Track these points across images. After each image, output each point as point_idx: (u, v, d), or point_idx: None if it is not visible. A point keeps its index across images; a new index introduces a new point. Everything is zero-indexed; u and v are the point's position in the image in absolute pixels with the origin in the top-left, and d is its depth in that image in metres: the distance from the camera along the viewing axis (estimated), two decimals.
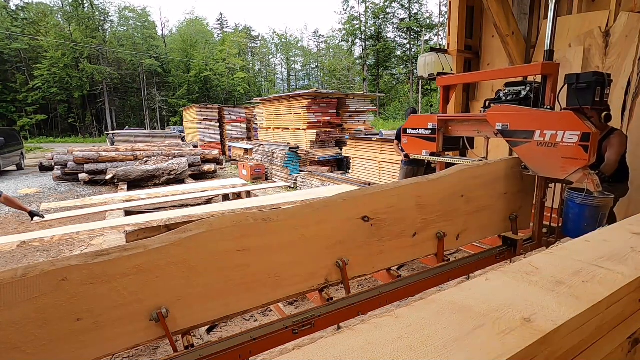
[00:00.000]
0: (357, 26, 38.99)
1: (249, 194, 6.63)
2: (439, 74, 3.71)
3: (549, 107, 2.72)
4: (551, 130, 2.52)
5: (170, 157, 10.57)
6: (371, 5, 38.71)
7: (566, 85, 2.72)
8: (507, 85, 3.17)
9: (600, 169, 3.08)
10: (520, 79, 3.72)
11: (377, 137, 8.57)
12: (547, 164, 2.62)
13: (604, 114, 2.96)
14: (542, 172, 2.71)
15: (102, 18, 37.93)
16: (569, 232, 2.81)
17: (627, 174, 3.39)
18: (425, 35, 37.24)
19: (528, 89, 3.03)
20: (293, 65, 53.11)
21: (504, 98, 3.14)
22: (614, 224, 1.81)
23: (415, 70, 36.90)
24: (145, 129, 29.55)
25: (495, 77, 3.22)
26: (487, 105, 3.25)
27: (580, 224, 2.67)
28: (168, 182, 9.46)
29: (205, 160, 11.51)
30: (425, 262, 3.53)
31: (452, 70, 3.90)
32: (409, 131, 3.86)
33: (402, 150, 4.58)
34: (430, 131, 3.61)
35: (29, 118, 33.49)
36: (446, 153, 3.81)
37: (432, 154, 3.64)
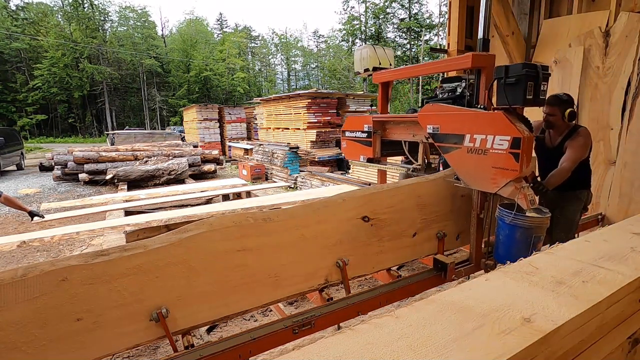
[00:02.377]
0: (357, 26, 38.97)
1: (249, 194, 6.63)
2: (374, 69, 3.24)
3: (482, 106, 2.28)
4: (481, 135, 2.13)
5: (170, 157, 10.57)
6: (371, 5, 38.70)
7: (496, 81, 2.29)
8: (444, 81, 2.77)
9: (546, 179, 2.55)
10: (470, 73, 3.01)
11: None
12: (478, 175, 2.23)
13: (567, 111, 2.64)
14: (473, 183, 2.30)
15: (102, 18, 37.92)
16: (498, 256, 2.36)
17: (590, 179, 2.97)
18: (425, 35, 37.23)
19: (464, 85, 2.64)
20: (293, 65, 53.11)
21: (440, 96, 2.76)
22: (614, 224, 1.81)
23: None
24: (145, 129, 29.53)
25: (428, 72, 2.74)
26: (423, 104, 2.87)
27: (510, 247, 2.21)
28: (168, 182, 9.46)
29: (205, 160, 11.51)
30: (426, 262, 3.53)
31: (391, 64, 3.44)
32: (347, 134, 3.39)
33: None
34: (366, 134, 3.15)
35: (29, 118, 33.49)
36: (388, 159, 3.37)
37: (368, 160, 3.21)
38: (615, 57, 4.27)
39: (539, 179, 2.43)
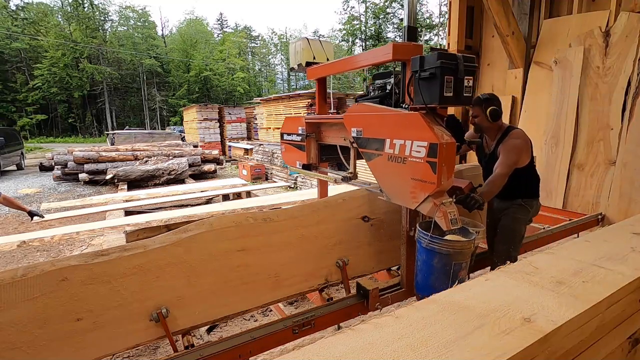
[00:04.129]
0: (357, 26, 38.99)
1: (249, 194, 6.63)
2: (307, 64, 2.91)
3: (407, 106, 1.97)
4: (400, 140, 1.85)
5: (170, 157, 10.57)
6: (371, 5, 38.71)
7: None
8: (375, 77, 2.40)
9: (479, 191, 2.16)
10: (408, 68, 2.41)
11: None
12: (398, 187, 1.95)
13: (489, 110, 2.33)
14: (394, 197, 2.01)
15: (102, 18, 37.94)
16: (417, 286, 2.04)
17: (537, 187, 2.60)
18: (425, 35, 37.25)
19: (393, 81, 2.23)
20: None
21: (372, 94, 2.39)
22: (614, 224, 1.81)
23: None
24: (145, 129, 29.53)
25: (355, 66, 2.39)
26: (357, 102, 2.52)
27: (428, 276, 1.89)
28: (168, 182, 9.45)
29: (205, 160, 11.51)
30: None
31: (329, 59, 3.07)
32: (285, 137, 3.07)
33: None
34: (300, 137, 2.84)
35: (29, 118, 33.49)
36: (328, 166, 3.03)
37: (304, 167, 2.87)
38: (616, 57, 4.27)
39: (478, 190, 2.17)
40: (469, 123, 2.54)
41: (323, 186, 3.14)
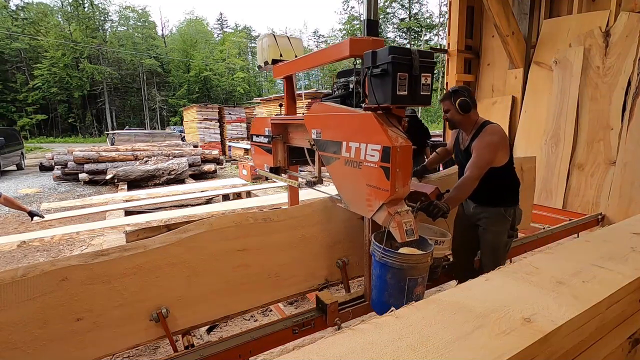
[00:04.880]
0: (357, 26, 38.99)
1: (249, 194, 6.63)
2: (274, 61, 2.75)
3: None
4: (355, 142, 1.72)
5: (170, 157, 10.57)
6: None
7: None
8: (339, 74, 2.23)
9: (447, 196, 2.00)
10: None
11: None
12: (355, 194, 1.81)
13: (458, 101, 2.16)
14: (351, 205, 1.88)
15: (102, 18, 37.95)
16: (372, 301, 1.91)
17: (515, 193, 2.33)
18: (425, 35, 37.25)
19: (355, 79, 2.04)
20: None
21: (336, 93, 2.21)
22: (614, 224, 1.81)
23: None
24: (146, 129, 29.51)
25: (317, 62, 2.24)
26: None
27: (382, 292, 1.73)
28: (168, 182, 9.45)
29: (205, 160, 11.50)
30: None
31: (297, 56, 2.84)
32: (254, 138, 2.92)
33: None
34: (267, 139, 2.71)
35: (29, 118, 33.48)
36: (299, 169, 2.87)
37: (271, 170, 2.72)
38: (616, 57, 4.27)
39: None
40: (443, 119, 2.38)
41: (293, 191, 2.92)
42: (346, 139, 1.79)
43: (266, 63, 2.81)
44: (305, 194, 5.65)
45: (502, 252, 2.31)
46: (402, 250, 1.71)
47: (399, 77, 1.56)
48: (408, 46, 38.60)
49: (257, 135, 2.86)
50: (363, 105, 1.79)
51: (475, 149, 2.10)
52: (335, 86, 2.23)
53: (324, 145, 1.97)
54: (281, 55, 2.78)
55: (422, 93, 1.65)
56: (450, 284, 2.59)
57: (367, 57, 1.67)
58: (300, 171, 2.90)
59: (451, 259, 2.57)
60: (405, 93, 1.60)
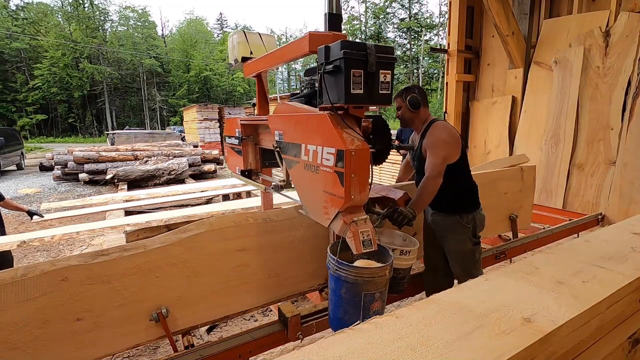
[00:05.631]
0: (357, 26, 39.03)
1: (249, 194, 6.63)
2: (243, 59, 2.63)
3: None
4: (312, 145, 1.60)
5: (170, 157, 10.57)
6: (371, 5, 38.75)
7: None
8: (306, 72, 2.09)
9: (410, 203, 1.91)
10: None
11: None
12: (314, 200, 1.68)
13: (408, 98, 2.09)
14: (311, 211, 1.76)
15: (102, 18, 37.97)
16: (329, 317, 1.75)
17: (470, 196, 2.21)
18: (426, 35, 37.27)
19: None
20: (293, 65, 53.14)
21: (304, 92, 2.04)
22: (614, 224, 1.80)
23: (415, 70, 36.90)
24: (146, 129, 29.52)
25: (278, 61, 2.13)
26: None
27: (337, 307, 1.60)
28: (168, 182, 9.45)
29: (205, 160, 11.50)
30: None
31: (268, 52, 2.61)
32: (227, 140, 2.80)
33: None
34: (237, 141, 2.58)
35: (29, 118, 33.50)
36: (272, 172, 2.75)
37: (242, 173, 2.58)
38: (616, 57, 4.27)
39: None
40: (396, 117, 2.26)
41: (265, 194, 2.79)
42: (305, 142, 1.66)
43: (236, 61, 2.67)
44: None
45: (471, 260, 2.18)
46: (358, 262, 1.59)
47: (353, 75, 1.42)
48: (408, 46, 38.68)
49: (229, 137, 2.72)
50: (319, 105, 1.64)
51: (427, 148, 2.03)
52: (302, 85, 2.09)
53: (285, 148, 1.85)
54: (251, 53, 2.63)
55: (381, 92, 1.50)
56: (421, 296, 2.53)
57: (320, 53, 1.53)
58: (277, 175, 2.66)
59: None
60: (361, 91, 1.46)
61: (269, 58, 2.22)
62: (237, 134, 2.56)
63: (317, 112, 1.62)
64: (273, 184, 2.12)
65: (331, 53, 1.47)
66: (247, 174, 2.57)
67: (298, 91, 2.05)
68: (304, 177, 1.70)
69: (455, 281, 2.45)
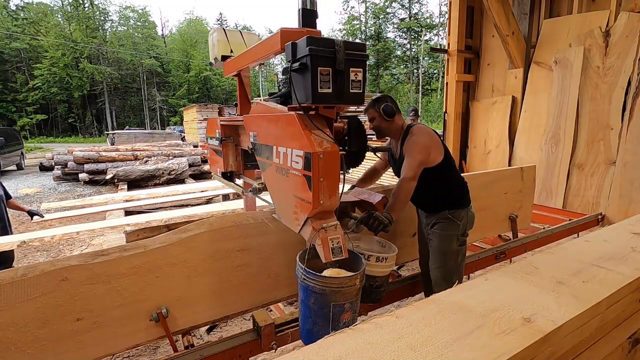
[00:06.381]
0: (357, 26, 38.99)
1: None
2: (223, 57, 2.55)
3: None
4: (282, 147, 1.54)
5: (170, 157, 10.57)
6: (371, 5, 38.72)
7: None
8: (283, 71, 1.93)
9: (387, 207, 1.86)
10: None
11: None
12: (285, 205, 1.63)
13: (382, 107, 2.05)
14: (283, 216, 1.71)
15: (102, 18, 37.97)
16: (300, 329, 1.64)
17: (461, 194, 2.19)
18: (426, 35, 37.26)
19: None
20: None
21: (281, 91, 1.89)
22: (614, 224, 1.80)
23: (415, 70, 36.88)
24: (146, 129, 29.52)
25: (253, 60, 2.03)
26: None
27: (306, 319, 1.51)
28: (168, 182, 9.45)
29: (205, 160, 11.50)
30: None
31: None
32: (208, 140, 2.73)
33: None
34: (217, 142, 2.49)
35: (29, 118, 33.49)
36: (256, 174, 2.61)
37: (222, 175, 2.52)
38: (616, 57, 4.27)
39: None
40: (369, 129, 2.15)
41: (247, 197, 2.72)
42: (276, 143, 1.59)
43: (216, 60, 2.60)
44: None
45: (453, 263, 2.12)
46: (327, 271, 1.51)
47: (321, 73, 1.34)
48: (408, 46, 38.66)
49: (210, 138, 2.65)
50: (289, 105, 1.56)
51: (405, 152, 2.00)
52: (278, 84, 2.00)
53: (259, 150, 1.79)
54: (232, 52, 2.55)
55: (352, 91, 1.41)
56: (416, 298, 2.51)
57: (287, 50, 1.45)
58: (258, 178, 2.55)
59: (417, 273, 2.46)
60: (330, 90, 1.37)
61: (244, 56, 2.15)
62: (217, 135, 2.47)
63: (284, 112, 1.55)
64: (252, 186, 2.04)
65: (298, 50, 1.39)
66: (228, 175, 2.49)
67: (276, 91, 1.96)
68: (276, 181, 1.65)
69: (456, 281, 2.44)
